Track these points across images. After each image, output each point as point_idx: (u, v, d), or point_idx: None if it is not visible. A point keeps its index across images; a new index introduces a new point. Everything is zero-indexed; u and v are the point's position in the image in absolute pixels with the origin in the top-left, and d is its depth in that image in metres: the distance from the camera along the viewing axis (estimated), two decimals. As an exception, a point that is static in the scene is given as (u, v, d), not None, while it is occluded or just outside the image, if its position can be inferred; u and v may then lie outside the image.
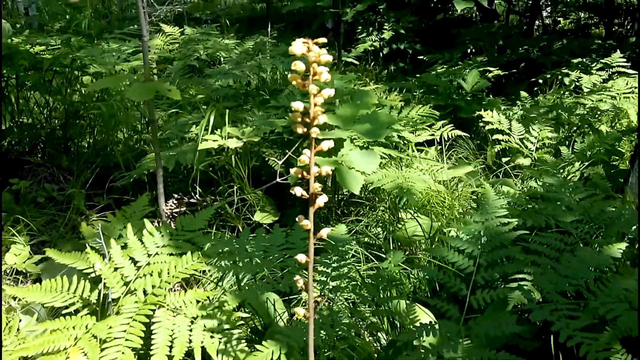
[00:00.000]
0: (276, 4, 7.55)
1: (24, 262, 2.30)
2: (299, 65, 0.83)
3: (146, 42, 1.83)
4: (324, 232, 0.94)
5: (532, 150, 2.95)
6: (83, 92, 3.37)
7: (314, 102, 0.86)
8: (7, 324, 1.48)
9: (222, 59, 4.70)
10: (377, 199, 2.64)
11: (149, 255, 1.43)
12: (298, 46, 0.80)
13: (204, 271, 1.92)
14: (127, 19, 7.29)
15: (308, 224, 0.92)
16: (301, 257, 0.92)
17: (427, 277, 1.64)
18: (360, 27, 6.27)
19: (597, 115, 3.37)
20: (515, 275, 1.33)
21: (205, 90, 3.46)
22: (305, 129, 0.88)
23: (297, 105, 0.86)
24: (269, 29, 5.93)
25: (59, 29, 5.44)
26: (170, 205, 2.38)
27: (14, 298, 2.02)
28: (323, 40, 0.83)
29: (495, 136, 3.05)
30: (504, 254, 1.31)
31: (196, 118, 2.83)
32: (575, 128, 3.35)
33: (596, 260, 1.28)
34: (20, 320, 1.90)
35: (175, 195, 2.45)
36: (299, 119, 0.87)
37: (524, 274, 1.35)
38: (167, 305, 1.28)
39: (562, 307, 1.12)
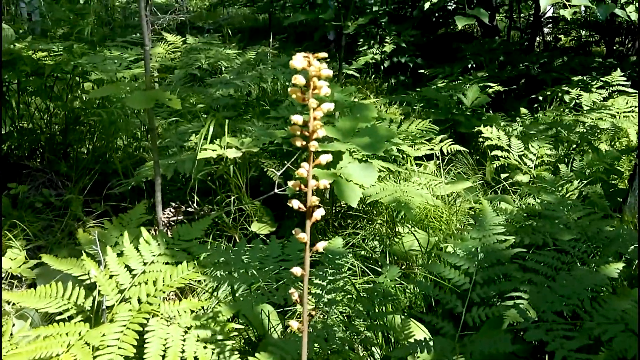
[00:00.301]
0: (278, 15, 7.62)
1: (19, 267, 2.29)
2: (299, 79, 0.83)
3: (148, 51, 1.84)
4: (320, 246, 0.94)
5: (531, 167, 2.96)
6: (84, 98, 3.38)
7: (314, 115, 0.87)
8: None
9: (223, 69, 4.73)
10: (374, 212, 2.63)
11: (145, 264, 1.42)
12: (299, 60, 0.80)
13: (199, 280, 1.92)
14: (129, 27, 7.34)
15: (304, 237, 0.91)
16: (297, 270, 0.92)
17: (423, 292, 1.64)
18: (361, 40, 6.32)
19: (596, 134, 3.39)
20: (511, 293, 1.33)
21: (206, 99, 3.47)
22: (304, 142, 0.89)
23: (296, 119, 0.86)
24: (271, 40, 5.98)
25: (61, 35, 5.47)
26: (168, 214, 2.38)
27: (8, 302, 2.00)
28: (324, 54, 0.83)
29: (494, 152, 3.06)
30: (500, 272, 1.30)
31: (196, 127, 2.84)
32: (574, 146, 3.36)
33: (593, 279, 1.28)
34: (13, 325, 1.89)
35: (173, 204, 2.45)
36: (298, 132, 0.88)
37: (520, 291, 1.35)
38: (161, 314, 1.27)
39: (557, 327, 1.12)
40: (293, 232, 0.94)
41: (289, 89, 0.85)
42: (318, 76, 0.83)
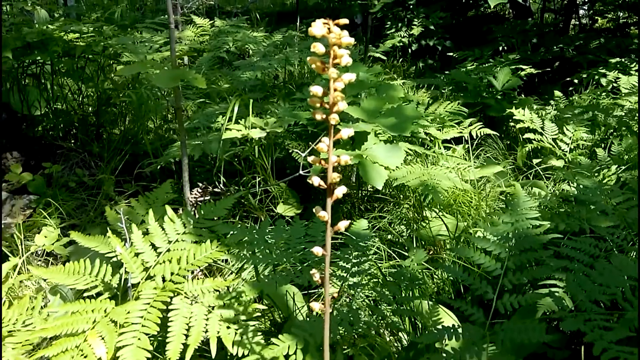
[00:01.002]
0: (306, -1, 7.53)
1: (53, 244, 2.35)
2: (318, 47, 0.79)
3: (173, 30, 1.83)
4: (342, 225, 0.91)
5: (566, 152, 2.84)
6: (115, 79, 3.42)
7: (334, 86, 0.83)
8: (31, 304, 1.51)
9: (250, 52, 4.71)
10: (401, 195, 2.59)
11: (169, 242, 1.43)
12: (318, 27, 0.77)
13: (226, 260, 1.93)
14: (160, 11, 7.39)
15: (325, 215, 0.89)
16: (317, 250, 0.90)
17: (451, 278, 1.59)
18: (389, 23, 6.19)
19: (636, 118, 3.23)
20: (545, 280, 1.27)
21: (234, 82, 3.47)
22: (324, 115, 0.85)
23: (316, 90, 0.83)
24: (298, 23, 5.91)
25: (94, 20, 5.55)
26: (195, 194, 2.39)
27: (44, 279, 2.06)
28: (345, 21, 0.79)
29: (526, 135, 2.95)
30: (533, 258, 1.25)
31: (223, 108, 2.83)
32: (612, 130, 3.21)
33: (633, 268, 1.21)
34: (47, 301, 1.95)
35: (200, 184, 2.46)
36: (318, 105, 0.84)
37: (555, 279, 1.29)
38: (185, 293, 1.28)
39: (596, 316, 1.06)
40: (314, 210, 0.91)
41: (308, 59, 0.81)
42: (338, 44, 0.80)
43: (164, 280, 1.31)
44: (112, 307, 1.30)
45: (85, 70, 3.23)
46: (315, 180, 0.91)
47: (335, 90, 0.85)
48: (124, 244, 1.42)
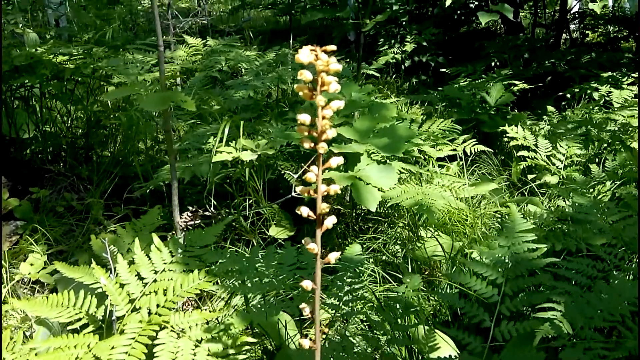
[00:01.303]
0: (299, 17, 7.58)
1: (39, 272, 2.29)
2: (305, 75, 0.77)
3: (162, 52, 1.81)
4: (332, 257, 0.87)
5: (560, 168, 2.82)
6: (104, 101, 3.40)
7: (322, 114, 0.80)
8: (11, 338, 1.45)
9: (243, 71, 4.70)
10: (396, 215, 2.55)
11: (156, 272, 1.38)
12: (304, 54, 0.74)
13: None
14: (152, 31, 7.41)
15: (314, 247, 0.85)
16: (307, 284, 0.86)
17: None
18: (382, 40, 6.22)
19: (629, 132, 3.22)
20: (543, 304, 1.23)
21: (227, 101, 3.44)
22: (312, 144, 0.82)
23: (304, 118, 0.80)
24: (291, 41, 5.93)
25: (86, 41, 5.55)
26: (185, 218, 2.35)
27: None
28: (332, 47, 0.76)
29: (520, 153, 2.93)
30: (531, 283, 1.21)
31: (214, 129, 2.80)
32: (605, 145, 3.20)
33: (632, 291, 1.18)
34: (33, 331, 1.88)
35: (190, 208, 2.42)
36: (306, 133, 0.81)
37: (553, 302, 1.25)
38: (172, 326, 1.23)
39: (596, 345, 1.02)
40: (303, 241, 0.88)
41: (295, 86, 0.79)
42: (326, 71, 0.77)
43: (149, 312, 1.26)
44: (96, 342, 1.24)
45: (74, 93, 3.20)
46: (304, 211, 0.87)
47: (323, 118, 0.83)
48: (109, 275, 1.37)
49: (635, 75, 4.36)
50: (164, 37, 5.00)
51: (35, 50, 2.88)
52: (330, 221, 0.88)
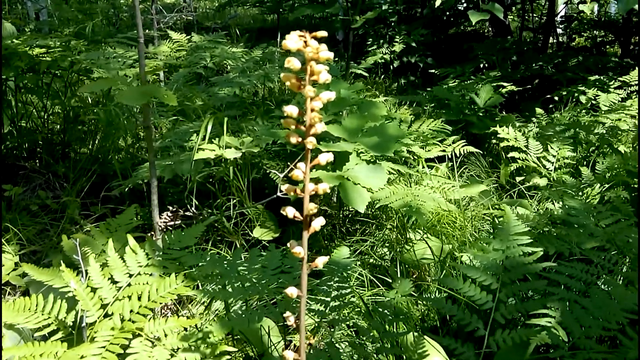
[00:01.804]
0: (287, 16, 7.50)
1: (8, 274, 2.17)
2: (293, 63, 0.69)
3: (142, 45, 1.72)
4: (320, 262, 0.80)
5: (551, 170, 2.79)
6: (82, 96, 3.28)
7: (311, 106, 0.73)
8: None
9: (229, 68, 4.61)
10: (384, 216, 2.49)
11: (130, 276, 1.29)
12: (293, 40, 0.67)
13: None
14: (136, 25, 7.25)
15: (300, 251, 0.78)
16: (292, 291, 0.78)
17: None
18: (370, 40, 6.18)
19: (617, 135, 3.22)
20: (538, 310, 1.18)
21: (212, 98, 3.35)
22: (300, 139, 0.75)
23: (291, 110, 0.73)
24: (279, 39, 5.85)
25: (67, 34, 5.40)
26: (165, 218, 2.26)
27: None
28: (323, 33, 0.69)
29: (511, 154, 2.89)
30: (527, 289, 1.15)
31: (197, 126, 2.70)
32: (593, 148, 3.19)
33: (631, 298, 1.13)
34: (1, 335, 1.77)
35: (171, 208, 2.33)
36: (293, 127, 0.74)
37: (547, 308, 1.20)
38: (146, 334, 1.14)
39: (596, 356, 0.97)
40: (288, 244, 0.80)
41: (282, 75, 0.71)
42: (316, 59, 0.70)
43: (122, 319, 1.18)
44: (64, 351, 1.15)
45: (51, 87, 3.07)
46: (290, 212, 0.80)
47: (312, 110, 0.75)
48: (80, 278, 1.28)
49: (622, 79, 4.37)
50: (148, 31, 4.88)
51: (11, 42, 2.75)
52: (318, 223, 0.81)
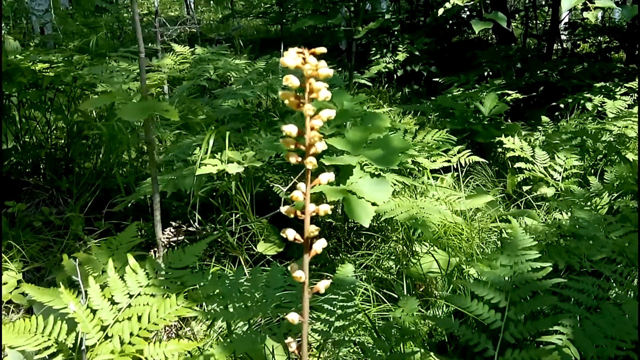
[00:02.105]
0: (290, 26, 7.54)
1: (11, 293, 2.15)
2: (291, 80, 0.67)
3: (143, 59, 1.71)
4: (322, 286, 0.78)
5: (558, 180, 2.75)
6: (85, 111, 3.28)
7: (310, 125, 0.70)
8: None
9: (232, 79, 4.61)
10: (389, 228, 2.46)
11: (131, 296, 1.27)
12: (291, 57, 0.64)
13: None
14: (141, 39, 7.29)
15: (302, 275, 0.75)
16: (293, 317, 0.75)
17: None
18: (374, 49, 6.18)
19: (625, 143, 3.17)
20: (549, 327, 1.14)
21: (215, 111, 3.34)
22: (299, 159, 0.72)
23: (289, 129, 0.70)
24: (282, 50, 5.87)
25: (71, 49, 5.43)
26: (168, 234, 2.23)
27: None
28: (322, 49, 0.67)
29: (517, 164, 2.85)
30: (537, 307, 1.12)
31: (200, 140, 2.69)
32: (601, 156, 3.15)
33: (647, 316, 1.09)
34: (5, 354, 1.75)
35: (173, 223, 2.30)
36: (292, 146, 0.72)
37: (559, 325, 1.16)
38: (146, 357, 1.11)
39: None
40: (289, 268, 0.78)
41: (280, 93, 0.69)
42: (315, 76, 0.67)
43: (122, 342, 1.15)
44: (63, 375, 1.13)
45: (55, 102, 3.08)
46: (290, 235, 0.78)
47: (312, 129, 0.73)
48: (80, 299, 1.26)
49: (628, 85, 4.33)
50: (151, 44, 4.90)
51: (14, 57, 2.76)
52: (319, 245, 0.78)
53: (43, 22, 6.27)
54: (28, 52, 2.86)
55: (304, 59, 0.68)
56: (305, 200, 0.76)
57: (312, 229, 0.76)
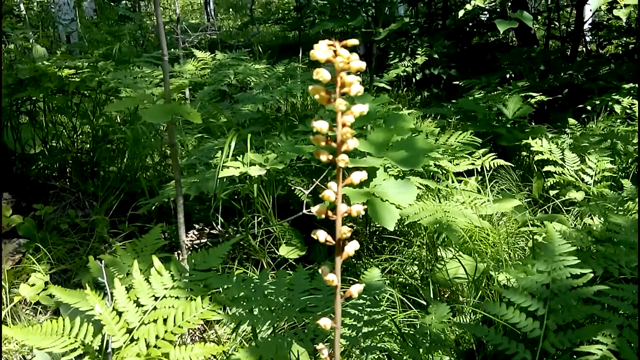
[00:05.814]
0: (308, 32, 7.55)
1: (39, 294, 2.18)
2: (322, 74, 0.64)
3: (166, 63, 1.71)
4: (355, 290, 0.75)
5: (590, 184, 2.66)
6: (110, 115, 3.32)
7: (342, 121, 0.68)
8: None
9: (252, 84, 4.63)
10: (412, 233, 2.41)
11: (156, 299, 1.26)
12: (321, 50, 0.62)
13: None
14: (162, 46, 7.39)
15: (334, 279, 0.72)
16: (325, 322, 0.73)
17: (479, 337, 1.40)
18: (392, 53, 6.14)
19: (658, 145, 3.06)
20: (592, 337, 1.09)
21: (236, 115, 3.35)
22: (330, 156, 0.70)
23: (320, 125, 0.67)
24: (300, 55, 5.88)
25: (96, 56, 5.53)
26: (191, 237, 2.23)
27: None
28: (354, 41, 0.64)
29: (546, 168, 2.78)
30: (580, 316, 1.06)
31: (222, 143, 2.70)
32: (632, 159, 3.05)
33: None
34: (33, 355, 1.76)
35: (197, 226, 2.31)
36: (323, 143, 0.69)
37: (600, 335, 1.10)
38: (171, 360, 1.10)
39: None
40: (320, 270, 0.75)
41: (310, 88, 0.66)
42: (347, 69, 0.65)
43: (148, 345, 1.14)
44: (89, 378, 1.12)
45: (80, 107, 3.12)
46: (321, 236, 0.75)
47: (343, 125, 0.70)
48: (105, 301, 1.25)
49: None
50: (173, 50, 4.95)
51: (41, 64, 2.81)
52: (351, 247, 0.75)
53: (69, 31, 6.41)
54: (55, 58, 2.91)
55: (335, 51, 0.65)
56: (336, 200, 0.73)
57: (344, 230, 0.73)
